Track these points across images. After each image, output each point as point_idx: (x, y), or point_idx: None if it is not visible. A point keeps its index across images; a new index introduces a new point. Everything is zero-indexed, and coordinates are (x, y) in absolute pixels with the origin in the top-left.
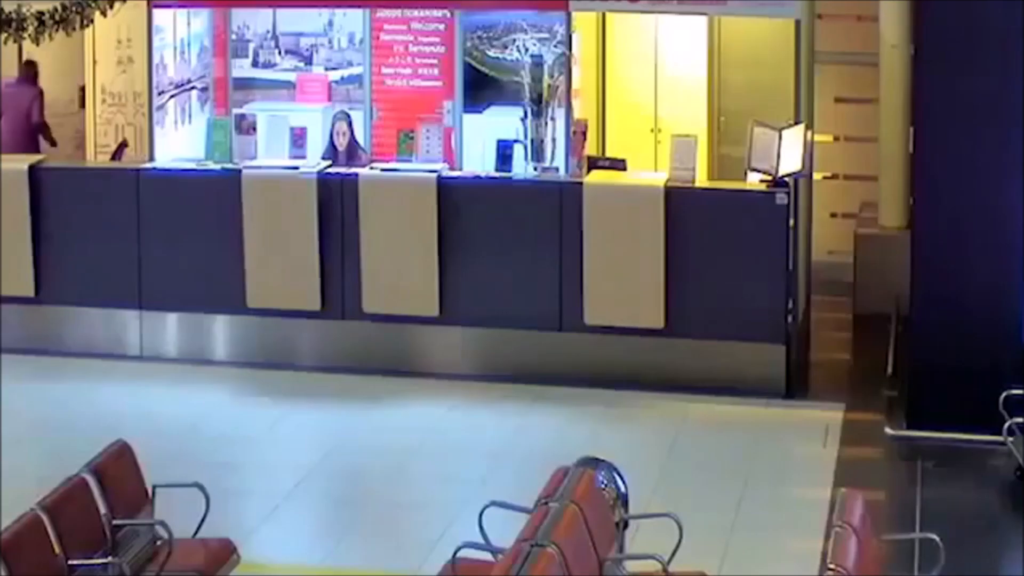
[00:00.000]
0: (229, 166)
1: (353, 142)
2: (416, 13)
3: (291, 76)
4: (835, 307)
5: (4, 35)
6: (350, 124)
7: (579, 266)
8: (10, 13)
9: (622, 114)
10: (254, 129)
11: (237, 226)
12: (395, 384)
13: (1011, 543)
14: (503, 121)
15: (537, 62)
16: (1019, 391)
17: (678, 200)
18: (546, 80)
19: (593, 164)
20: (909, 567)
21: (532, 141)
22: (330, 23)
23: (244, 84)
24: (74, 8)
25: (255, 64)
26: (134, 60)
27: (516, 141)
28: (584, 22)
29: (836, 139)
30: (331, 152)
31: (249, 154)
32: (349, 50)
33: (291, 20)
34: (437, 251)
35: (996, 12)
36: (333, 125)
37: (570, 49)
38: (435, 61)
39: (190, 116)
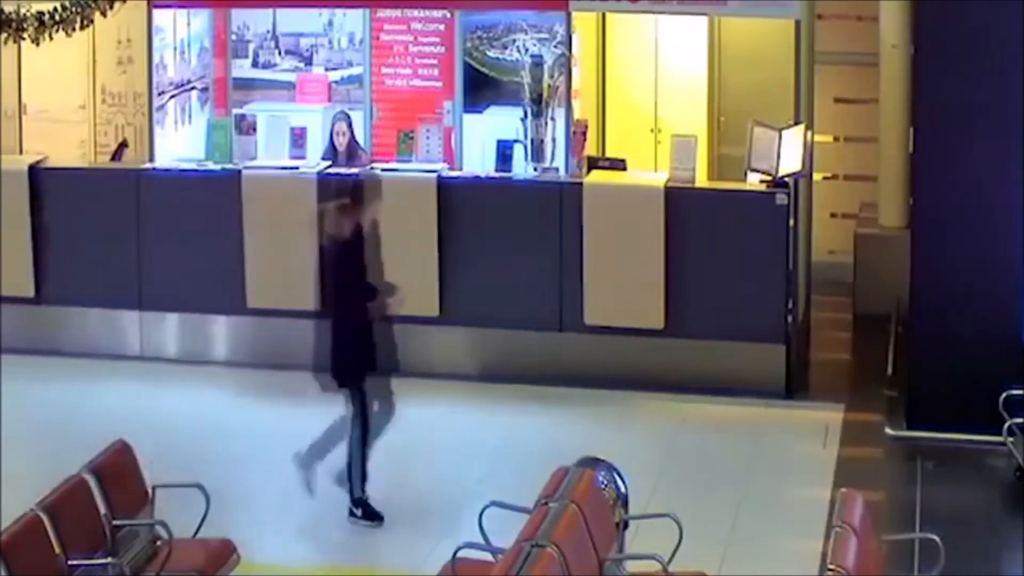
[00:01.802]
0: (229, 166)
1: (353, 142)
2: (416, 13)
3: (291, 76)
4: (835, 307)
5: (4, 35)
6: (350, 124)
7: (579, 266)
8: (10, 13)
9: (622, 114)
10: (254, 129)
11: (237, 226)
12: (395, 384)
13: (1011, 543)
14: (503, 121)
15: (537, 62)
16: (1019, 391)
17: (678, 200)
18: (546, 80)
19: (593, 164)
20: (909, 567)
21: (532, 141)
22: (330, 23)
23: (244, 84)
24: (74, 8)
25: (255, 64)
26: (134, 60)
27: (516, 141)
28: (584, 22)
29: (836, 139)
30: (331, 152)
31: (249, 154)
32: (349, 50)
33: (291, 20)
34: (437, 251)
35: (995, 12)
36: (333, 125)
37: (570, 49)
38: (435, 61)
39: (190, 116)
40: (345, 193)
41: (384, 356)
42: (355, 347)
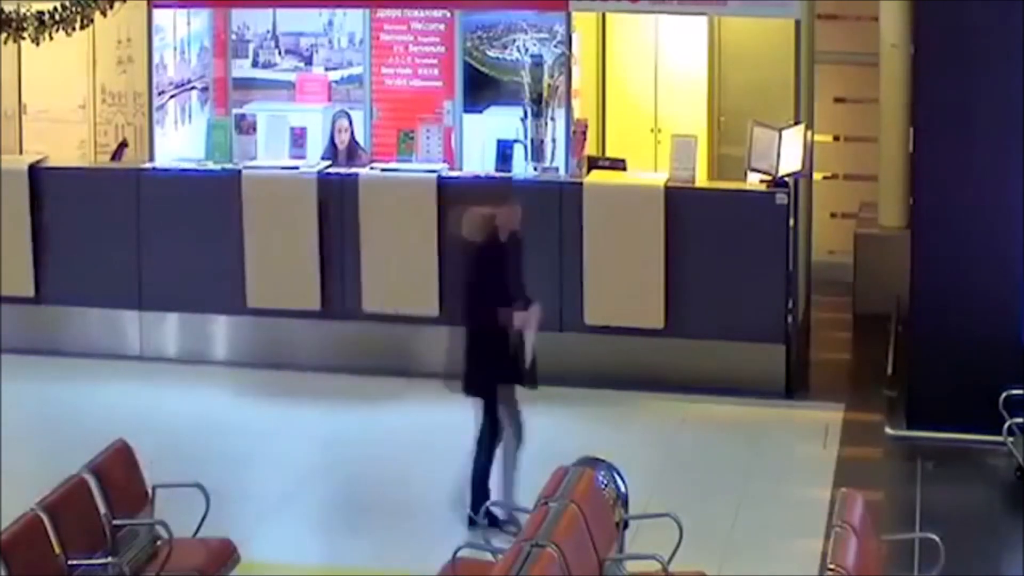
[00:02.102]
0: (229, 166)
1: (353, 141)
2: (416, 13)
3: (291, 76)
4: (835, 307)
5: (4, 35)
6: (351, 122)
7: (579, 266)
8: (10, 13)
9: (622, 114)
10: (254, 129)
11: (237, 226)
12: (395, 384)
13: (1011, 543)
14: (503, 121)
15: (537, 62)
16: (1019, 391)
17: (678, 200)
18: (546, 80)
19: (593, 164)
20: (909, 567)
21: (532, 141)
22: (330, 23)
23: (244, 84)
24: (74, 8)
25: (255, 64)
26: (134, 60)
27: (516, 141)
28: (584, 22)
29: (836, 139)
30: (331, 151)
31: (249, 154)
32: (349, 50)
33: (291, 20)
34: (437, 251)
35: (996, 12)
36: (334, 123)
37: (570, 49)
38: (435, 61)
39: (190, 116)
40: (489, 199)
41: (516, 370)
42: (487, 357)
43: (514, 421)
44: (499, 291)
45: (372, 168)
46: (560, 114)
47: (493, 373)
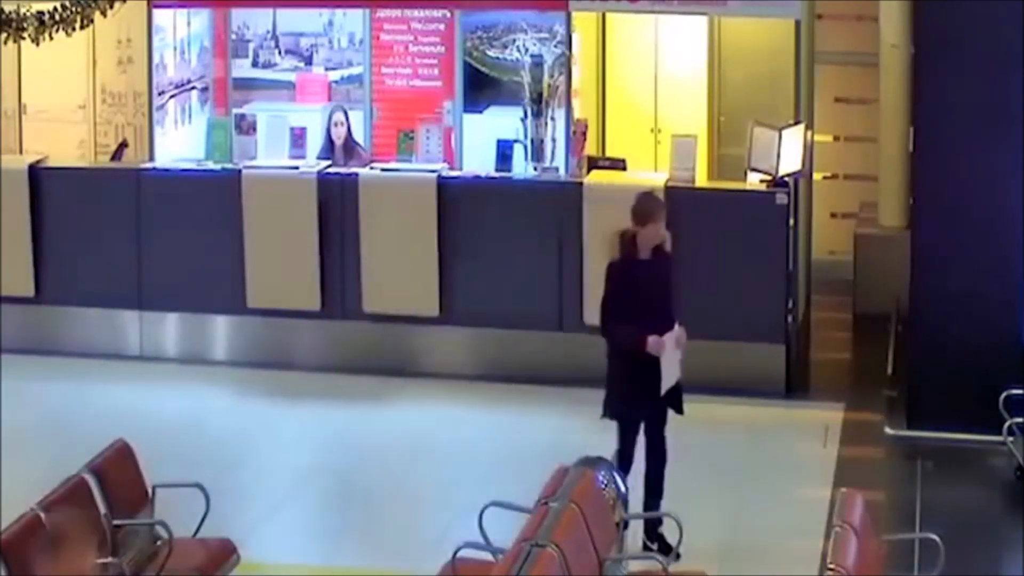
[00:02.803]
0: (229, 166)
1: (351, 139)
2: (416, 13)
3: (291, 76)
4: (835, 307)
5: (4, 35)
6: (347, 117)
7: (579, 266)
8: (10, 13)
9: (622, 114)
10: (254, 129)
11: (237, 226)
12: (395, 384)
13: (1011, 543)
14: (503, 121)
15: (537, 62)
16: (1019, 391)
17: (678, 200)
18: (546, 80)
19: (593, 164)
20: (909, 567)
21: (532, 141)
22: (330, 23)
23: (244, 84)
24: (74, 8)
25: (255, 64)
26: (134, 60)
27: (516, 141)
28: (584, 22)
29: (836, 139)
30: (327, 147)
31: (249, 154)
32: (349, 50)
33: (291, 20)
34: (437, 251)
35: (996, 12)
36: (330, 118)
37: (570, 49)
38: (435, 61)
39: (190, 116)
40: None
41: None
42: (625, 378)
43: (652, 446)
44: (636, 311)
45: (372, 168)
46: (560, 114)
47: (629, 397)
